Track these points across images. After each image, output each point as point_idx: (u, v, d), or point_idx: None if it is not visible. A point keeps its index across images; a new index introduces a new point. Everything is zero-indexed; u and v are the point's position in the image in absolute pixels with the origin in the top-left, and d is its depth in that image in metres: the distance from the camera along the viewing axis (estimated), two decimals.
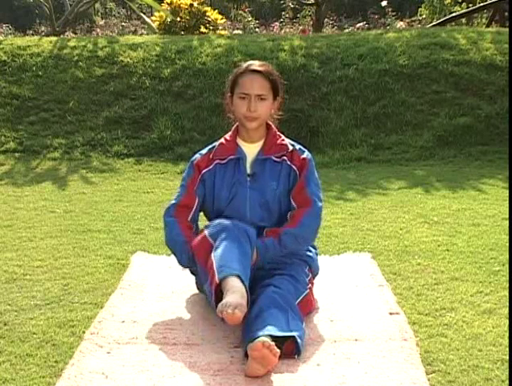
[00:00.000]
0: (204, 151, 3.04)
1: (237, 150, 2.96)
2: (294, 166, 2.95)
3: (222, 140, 3.02)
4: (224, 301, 2.41)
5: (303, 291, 2.79)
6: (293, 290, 2.71)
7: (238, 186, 2.93)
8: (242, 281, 2.50)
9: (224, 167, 2.96)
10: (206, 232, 2.78)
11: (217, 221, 2.81)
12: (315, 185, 2.98)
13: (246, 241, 2.70)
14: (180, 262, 2.96)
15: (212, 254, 2.64)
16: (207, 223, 2.91)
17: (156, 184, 6.09)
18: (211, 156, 2.99)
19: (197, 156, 3.04)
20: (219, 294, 2.51)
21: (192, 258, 2.82)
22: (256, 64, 2.92)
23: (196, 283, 3.03)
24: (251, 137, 2.96)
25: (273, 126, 3.00)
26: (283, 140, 2.99)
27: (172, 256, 3.65)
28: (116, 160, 6.98)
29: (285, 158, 2.95)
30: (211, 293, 2.58)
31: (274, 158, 2.95)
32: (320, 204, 2.95)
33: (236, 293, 2.44)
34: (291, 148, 2.98)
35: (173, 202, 3.02)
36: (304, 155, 2.99)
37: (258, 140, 2.97)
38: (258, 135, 2.97)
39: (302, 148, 3.03)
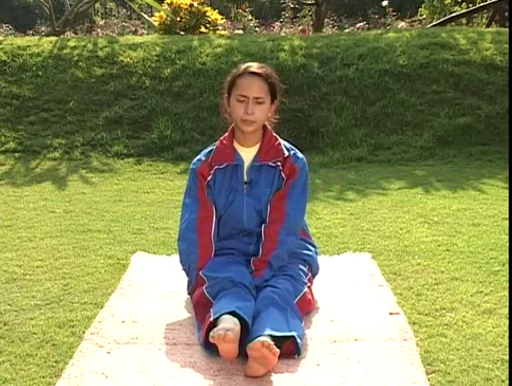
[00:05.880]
0: (202, 157, 2.98)
1: (235, 156, 2.92)
2: (283, 174, 2.91)
3: (218, 143, 2.98)
4: (215, 328, 2.37)
5: (302, 289, 2.78)
6: (292, 289, 2.71)
7: (235, 194, 2.91)
8: (237, 315, 2.44)
9: (222, 173, 2.92)
10: (204, 289, 2.72)
11: (215, 274, 2.73)
12: (299, 196, 2.92)
13: (247, 293, 2.65)
14: (189, 284, 2.93)
15: (211, 310, 2.58)
16: (206, 272, 2.79)
17: (156, 184, 6.09)
18: (209, 161, 2.95)
19: (197, 163, 2.97)
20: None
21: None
22: (255, 66, 2.88)
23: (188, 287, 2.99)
24: (248, 140, 2.93)
25: (269, 128, 2.97)
26: (279, 144, 2.95)
27: (172, 256, 3.66)
28: (116, 160, 6.98)
29: (279, 163, 2.92)
30: (201, 335, 2.54)
31: (269, 164, 2.92)
32: (297, 219, 2.91)
33: (228, 322, 2.39)
34: (286, 153, 2.93)
35: (192, 216, 2.90)
36: (296, 164, 2.93)
37: (255, 144, 2.94)
38: (255, 139, 2.94)
39: (297, 153, 2.97)
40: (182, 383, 2.26)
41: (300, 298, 2.73)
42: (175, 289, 3.15)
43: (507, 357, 2.41)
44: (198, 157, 3.01)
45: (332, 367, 2.36)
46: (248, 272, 2.79)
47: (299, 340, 2.43)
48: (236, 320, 2.42)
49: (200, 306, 2.70)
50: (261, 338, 2.27)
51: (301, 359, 2.42)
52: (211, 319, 2.48)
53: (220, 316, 2.46)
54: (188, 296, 3.02)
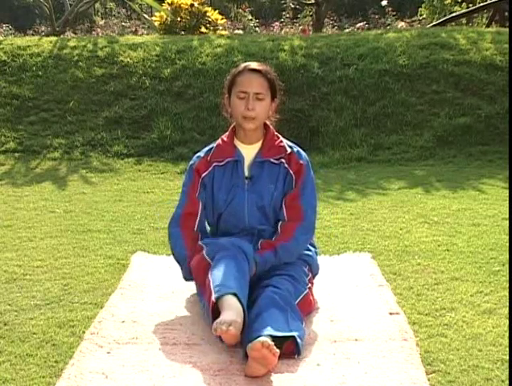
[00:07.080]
0: (201, 154, 3.00)
1: (236, 152, 2.93)
2: (291, 171, 2.92)
3: (219, 141, 2.99)
4: (218, 319, 2.39)
5: (303, 291, 2.79)
6: (292, 290, 2.71)
7: (236, 189, 2.91)
8: (239, 300, 2.48)
9: (222, 169, 2.93)
10: (203, 252, 2.77)
11: (214, 240, 2.80)
12: (311, 194, 2.94)
13: (244, 259, 2.69)
14: (183, 275, 2.96)
15: (210, 273, 2.62)
16: (204, 241, 2.87)
17: (156, 184, 6.09)
18: (208, 158, 2.96)
19: (195, 160, 3.00)
20: (216, 313, 2.48)
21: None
22: (254, 64, 2.92)
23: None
24: (249, 138, 2.94)
25: (271, 127, 2.98)
26: (281, 141, 2.96)
27: (172, 256, 3.66)
28: (116, 160, 6.98)
29: (283, 160, 2.92)
30: (207, 311, 2.58)
31: (272, 160, 2.92)
32: (313, 217, 2.95)
33: (231, 311, 2.42)
34: (289, 150, 2.94)
35: (178, 211, 2.99)
36: (302, 160, 2.94)
37: (256, 141, 2.95)
38: (256, 136, 2.95)
39: (300, 151, 2.98)
40: (182, 383, 2.26)
41: (301, 300, 2.73)
42: (175, 289, 3.15)
43: (507, 357, 2.41)
44: (198, 154, 3.04)
45: (332, 367, 2.36)
46: (250, 244, 2.80)
47: (299, 340, 2.43)
48: (239, 306, 2.44)
49: (200, 268, 2.74)
50: (261, 339, 2.27)
51: (301, 359, 2.42)
52: (213, 299, 2.49)
53: (221, 296, 2.47)
54: (189, 296, 3.03)
